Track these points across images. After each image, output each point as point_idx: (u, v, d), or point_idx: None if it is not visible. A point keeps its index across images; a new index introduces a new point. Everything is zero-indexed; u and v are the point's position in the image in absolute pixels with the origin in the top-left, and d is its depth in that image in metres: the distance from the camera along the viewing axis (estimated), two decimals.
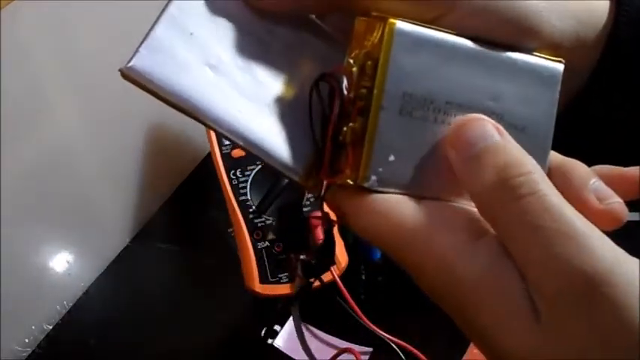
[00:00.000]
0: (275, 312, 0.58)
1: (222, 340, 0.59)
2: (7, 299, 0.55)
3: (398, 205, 0.23)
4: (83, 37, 0.60)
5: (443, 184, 0.24)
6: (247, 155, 0.57)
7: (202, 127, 0.64)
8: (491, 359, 0.23)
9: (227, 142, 0.58)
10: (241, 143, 0.24)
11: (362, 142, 0.23)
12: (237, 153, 0.58)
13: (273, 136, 0.25)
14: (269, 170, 0.57)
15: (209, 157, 0.60)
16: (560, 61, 0.25)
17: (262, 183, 0.57)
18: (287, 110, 0.25)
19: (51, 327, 0.60)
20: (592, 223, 0.21)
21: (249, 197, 0.57)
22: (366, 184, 0.23)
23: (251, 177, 0.57)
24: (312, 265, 0.28)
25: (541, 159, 0.24)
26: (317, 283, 0.31)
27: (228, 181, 0.57)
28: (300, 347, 0.55)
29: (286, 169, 0.25)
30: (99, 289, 0.63)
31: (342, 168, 0.24)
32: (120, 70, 0.23)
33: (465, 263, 0.22)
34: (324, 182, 0.25)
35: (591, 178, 0.24)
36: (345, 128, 0.23)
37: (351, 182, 0.23)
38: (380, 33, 0.23)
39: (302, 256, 0.28)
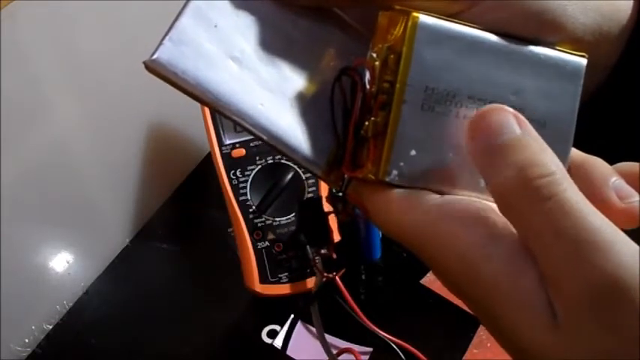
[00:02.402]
0: (275, 312, 0.58)
1: (222, 340, 0.59)
2: (7, 299, 0.55)
3: (419, 200, 0.23)
4: (83, 37, 0.60)
5: (465, 179, 0.24)
6: (247, 155, 0.58)
7: (202, 127, 0.64)
8: (512, 354, 0.23)
9: (227, 142, 0.58)
10: (264, 137, 0.24)
11: (383, 137, 0.23)
12: (237, 153, 0.58)
13: (295, 130, 0.25)
14: (271, 169, 0.57)
15: (209, 157, 0.60)
16: (583, 56, 0.25)
17: (262, 183, 0.57)
18: (309, 104, 0.25)
19: (51, 327, 0.60)
20: (612, 221, 0.21)
21: (249, 197, 0.57)
22: (387, 179, 0.23)
23: (251, 177, 0.57)
24: (333, 260, 0.28)
25: (562, 154, 0.24)
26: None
27: (228, 181, 0.57)
28: (300, 347, 0.55)
29: (308, 163, 0.25)
30: (99, 289, 0.63)
31: (363, 162, 0.24)
32: (144, 63, 0.23)
33: (485, 260, 0.22)
34: (346, 176, 0.25)
35: (612, 176, 0.24)
36: (366, 122, 0.23)
37: (372, 176, 0.23)
38: (403, 27, 0.23)
39: (323, 251, 0.28)
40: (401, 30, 0.23)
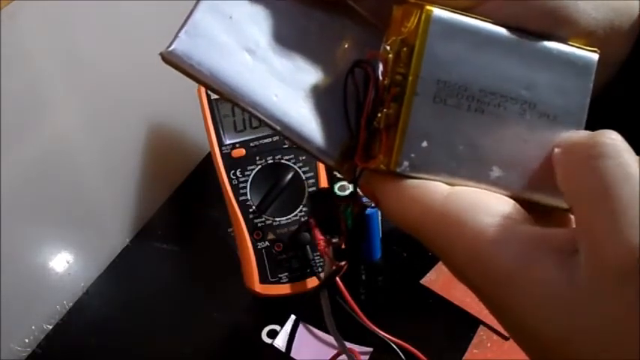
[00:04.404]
0: (275, 312, 0.58)
1: (222, 340, 0.59)
2: (7, 299, 0.55)
3: (429, 191, 0.23)
4: (83, 37, 0.60)
5: (476, 171, 0.24)
6: (247, 155, 0.58)
7: (202, 127, 0.64)
8: (526, 347, 0.23)
9: (227, 142, 0.58)
10: (278, 128, 0.25)
11: (395, 128, 0.23)
12: (237, 153, 0.58)
13: (309, 121, 0.25)
14: (271, 169, 0.57)
15: (209, 157, 0.60)
16: (594, 51, 0.25)
17: (262, 183, 0.57)
18: (323, 95, 0.25)
19: (51, 327, 0.60)
20: None
21: (249, 197, 0.57)
22: (398, 170, 0.23)
23: (251, 177, 0.57)
24: (342, 249, 0.28)
25: None
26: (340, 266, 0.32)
27: (228, 181, 0.57)
28: (300, 347, 0.55)
29: (321, 154, 0.25)
30: (99, 289, 0.63)
31: (375, 153, 0.24)
32: (160, 54, 0.23)
33: (497, 251, 0.22)
34: (358, 167, 0.25)
35: None
36: (379, 114, 0.24)
37: (384, 167, 0.24)
38: (416, 20, 0.23)
39: (334, 240, 0.28)
40: (414, 23, 0.23)
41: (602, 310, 0.20)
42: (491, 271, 0.22)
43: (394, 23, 0.25)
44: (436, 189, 0.24)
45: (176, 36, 0.24)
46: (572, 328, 0.21)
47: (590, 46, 0.25)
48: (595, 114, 0.26)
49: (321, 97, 0.25)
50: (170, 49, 0.23)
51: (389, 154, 0.24)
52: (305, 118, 0.25)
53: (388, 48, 0.24)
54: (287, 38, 0.25)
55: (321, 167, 0.58)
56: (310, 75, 0.25)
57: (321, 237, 0.55)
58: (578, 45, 0.25)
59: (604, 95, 0.27)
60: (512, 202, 0.24)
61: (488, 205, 0.23)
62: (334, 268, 0.31)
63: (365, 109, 0.24)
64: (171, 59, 0.23)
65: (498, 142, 0.24)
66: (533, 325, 0.21)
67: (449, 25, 0.23)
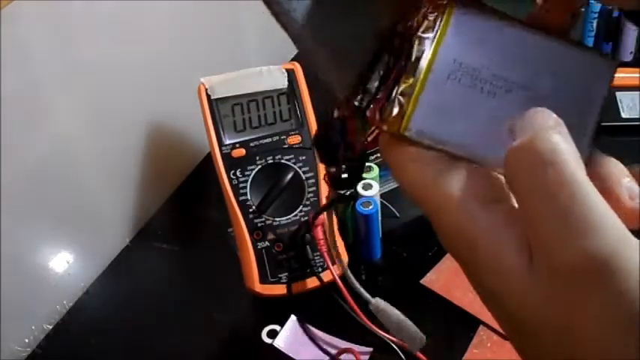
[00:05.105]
0: (275, 312, 0.58)
1: (222, 340, 0.59)
2: (7, 299, 0.55)
3: (430, 160, 0.25)
4: (83, 38, 0.60)
5: (481, 147, 0.26)
6: (247, 155, 0.58)
7: (202, 127, 0.63)
8: (495, 314, 0.24)
9: (227, 142, 0.58)
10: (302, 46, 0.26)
11: (409, 97, 0.26)
12: (237, 153, 0.58)
13: (331, 56, 0.27)
14: (271, 169, 0.57)
15: (209, 157, 0.60)
16: (613, 59, 0.27)
17: (262, 183, 0.57)
18: (353, 39, 0.27)
19: (51, 327, 0.60)
20: (621, 219, 0.21)
21: (249, 197, 0.57)
22: (406, 133, 0.26)
23: (251, 177, 0.57)
24: (342, 178, 0.30)
25: (582, 145, 0.25)
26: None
27: (228, 181, 0.57)
28: (300, 347, 0.55)
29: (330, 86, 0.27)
30: (99, 289, 0.64)
31: (387, 116, 0.26)
32: None
33: (472, 224, 0.23)
34: (374, 126, 0.27)
35: (625, 176, 0.25)
36: (400, 81, 0.26)
37: (394, 129, 0.26)
38: (439, 12, 0.26)
39: (331, 169, 0.30)
40: (437, 15, 0.26)
41: (557, 306, 0.21)
42: (466, 242, 0.23)
43: (423, 8, 0.27)
44: (433, 160, 0.25)
45: None
46: (537, 318, 0.22)
47: None
48: None
49: (349, 39, 0.27)
50: None
51: (399, 118, 0.26)
52: (331, 54, 0.27)
53: (415, 24, 0.26)
54: None
55: (321, 167, 0.58)
56: (352, 17, 0.27)
57: (321, 237, 0.55)
58: (596, 49, 0.27)
59: None
60: (501, 180, 0.25)
61: (478, 183, 0.24)
62: (333, 196, 0.33)
63: (393, 74, 0.26)
64: None
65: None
66: (511, 310, 0.22)
67: (468, 20, 0.26)
